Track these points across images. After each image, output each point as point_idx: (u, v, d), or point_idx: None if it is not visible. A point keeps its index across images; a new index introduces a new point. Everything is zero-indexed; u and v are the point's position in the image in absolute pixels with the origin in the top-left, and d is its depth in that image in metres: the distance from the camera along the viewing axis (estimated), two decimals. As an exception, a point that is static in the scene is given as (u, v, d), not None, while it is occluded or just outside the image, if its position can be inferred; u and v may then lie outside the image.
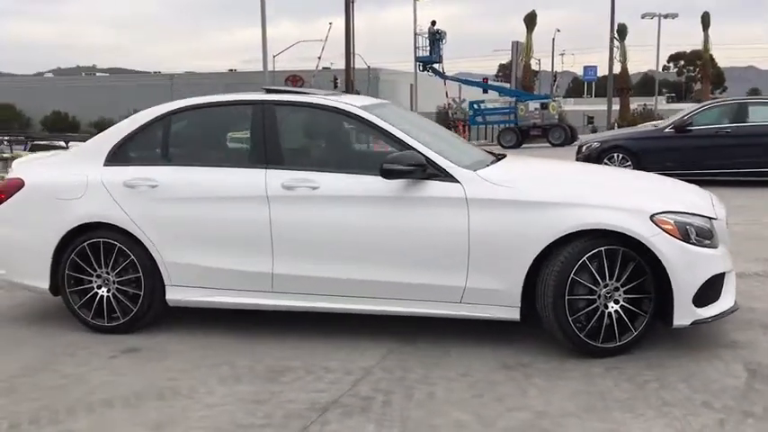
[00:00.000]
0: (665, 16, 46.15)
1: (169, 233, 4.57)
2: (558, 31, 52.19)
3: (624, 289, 4.08)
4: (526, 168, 5.05)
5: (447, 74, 35.07)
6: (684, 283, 3.97)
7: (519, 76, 37.40)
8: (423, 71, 34.90)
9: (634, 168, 11.31)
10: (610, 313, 4.08)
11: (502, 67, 40.27)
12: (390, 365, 4.06)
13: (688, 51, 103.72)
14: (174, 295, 4.65)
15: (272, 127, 4.59)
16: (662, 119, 20.21)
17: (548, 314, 4.06)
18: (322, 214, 4.36)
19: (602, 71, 44.88)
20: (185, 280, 4.60)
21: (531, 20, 40.35)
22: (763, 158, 11.63)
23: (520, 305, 4.17)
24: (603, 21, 35.14)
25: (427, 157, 4.26)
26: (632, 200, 4.16)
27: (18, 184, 4.90)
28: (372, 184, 4.31)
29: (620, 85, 42.19)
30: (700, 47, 48.97)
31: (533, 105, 29.91)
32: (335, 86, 36.75)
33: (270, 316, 4.77)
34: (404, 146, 4.36)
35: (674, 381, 3.73)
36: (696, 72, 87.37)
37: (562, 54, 69.15)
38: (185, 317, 4.88)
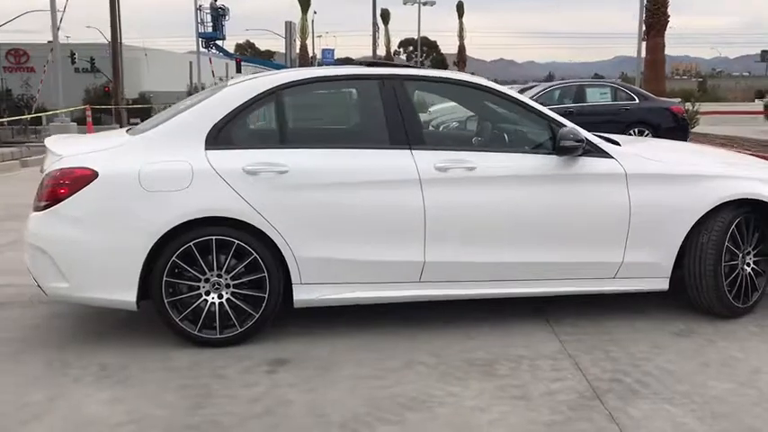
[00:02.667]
0: (425, 3, 48.92)
1: (302, 225, 3.99)
2: (315, 13, 52.60)
3: (754, 252, 4.44)
4: (654, 145, 5.22)
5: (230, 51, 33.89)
6: None
7: (294, 57, 37.35)
8: (206, 48, 33.30)
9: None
10: (744, 276, 4.42)
11: (303, 47, 39.79)
12: (580, 347, 3.99)
13: (415, 38, 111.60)
14: (303, 295, 4.08)
15: (407, 104, 4.20)
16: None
17: (704, 282, 4.28)
18: (479, 196, 4.12)
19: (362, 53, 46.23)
20: (318, 277, 4.06)
21: (305, 1, 40.41)
22: (601, 133, 13.05)
23: (669, 275, 4.35)
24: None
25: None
26: (763, 171, 4.52)
27: (87, 176, 3.92)
28: (532, 161, 4.19)
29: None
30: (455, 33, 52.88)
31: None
32: (73, 62, 33.01)
33: (379, 309, 4.40)
34: (553, 123, 4.27)
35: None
36: (423, 57, 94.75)
37: (320, 36, 69.84)
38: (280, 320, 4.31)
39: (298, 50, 38.26)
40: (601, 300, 4.55)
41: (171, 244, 3.91)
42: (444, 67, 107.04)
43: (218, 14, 31.36)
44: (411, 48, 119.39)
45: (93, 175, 3.91)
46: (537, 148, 4.27)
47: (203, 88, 33.84)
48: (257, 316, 4.02)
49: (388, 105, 4.18)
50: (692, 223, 4.25)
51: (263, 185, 3.96)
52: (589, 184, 4.21)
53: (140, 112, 22.40)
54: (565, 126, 4.21)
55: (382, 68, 4.37)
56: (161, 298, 3.95)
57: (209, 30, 32.02)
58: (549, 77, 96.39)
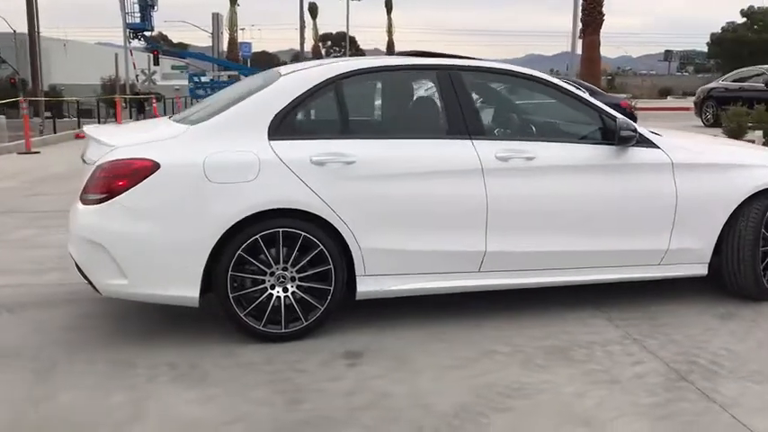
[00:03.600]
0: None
1: (367, 216, 3.95)
2: (238, 5, 51.51)
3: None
4: (687, 136, 5.35)
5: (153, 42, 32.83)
6: None
7: (222, 50, 36.60)
8: (134, 39, 32.15)
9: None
10: (771, 259, 4.65)
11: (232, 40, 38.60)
12: (640, 332, 4.11)
13: (334, 32, 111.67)
14: (367, 287, 4.04)
15: (464, 95, 4.21)
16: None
17: (743, 266, 4.48)
18: (538, 185, 4.18)
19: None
20: (382, 268, 4.03)
21: (234, -7, 39.65)
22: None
23: (709, 260, 4.53)
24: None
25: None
26: None
27: (148, 167, 3.75)
28: (586, 152, 4.28)
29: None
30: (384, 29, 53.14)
31: (258, 79, 29.59)
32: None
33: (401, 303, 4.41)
34: (603, 114, 4.37)
35: None
36: (341, 52, 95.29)
37: (242, 29, 68.43)
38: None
39: (226, 44, 37.48)
40: (634, 286, 4.68)
41: (237, 237, 3.79)
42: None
43: (147, 4, 30.37)
44: (330, 43, 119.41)
45: (155, 166, 3.74)
46: (589, 139, 4.36)
47: (135, 81, 32.94)
48: (322, 309, 3.96)
49: (446, 95, 4.19)
50: (732, 210, 4.44)
51: (331, 176, 3.89)
52: (639, 173, 4.33)
53: (52, 105, 21.30)
54: (617, 117, 4.32)
55: (439, 59, 4.36)
56: (226, 293, 3.83)
57: (137, 20, 30.95)
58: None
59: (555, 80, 4.47)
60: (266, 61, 71.91)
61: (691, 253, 4.46)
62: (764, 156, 4.75)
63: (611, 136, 4.29)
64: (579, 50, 25.20)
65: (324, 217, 3.88)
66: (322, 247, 3.89)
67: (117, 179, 3.74)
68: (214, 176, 3.77)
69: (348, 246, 3.94)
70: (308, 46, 35.71)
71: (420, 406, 3.19)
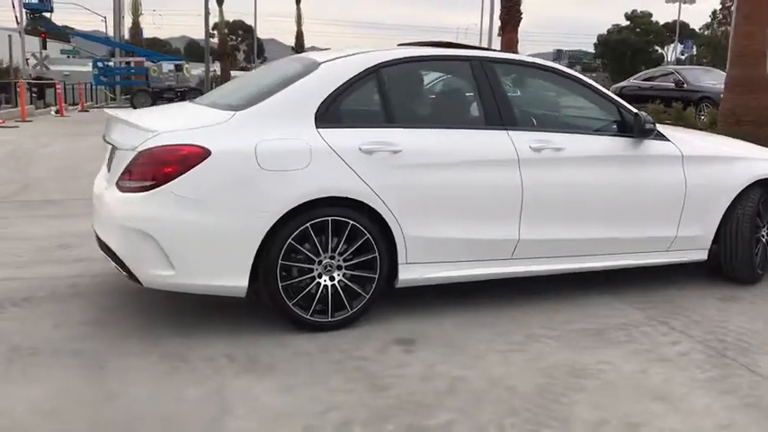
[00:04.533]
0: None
1: (412, 204, 3.99)
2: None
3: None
4: (688, 131, 5.62)
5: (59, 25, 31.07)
6: None
7: (123, 35, 35.13)
8: (33, 20, 30.25)
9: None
10: (763, 245, 5.03)
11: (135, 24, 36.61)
12: (663, 315, 4.35)
13: (231, 21, 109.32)
14: (408, 275, 4.07)
15: (498, 86, 4.32)
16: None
17: (740, 252, 4.83)
18: (568, 175, 4.34)
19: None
20: (423, 256, 4.08)
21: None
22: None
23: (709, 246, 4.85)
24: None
25: (646, 119, 4.60)
26: None
27: (198, 154, 3.64)
28: (616, 142, 4.49)
29: (221, 51, 43.56)
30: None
31: (167, 67, 28.63)
32: None
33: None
34: (621, 108, 4.59)
35: None
36: (239, 41, 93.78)
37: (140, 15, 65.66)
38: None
39: (128, 29, 35.95)
40: (631, 273, 4.92)
41: (288, 225, 3.74)
42: (261, 52, 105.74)
43: (44, -18, 28.69)
44: (226, 31, 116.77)
45: (206, 152, 3.63)
46: (609, 131, 4.56)
47: (26, 65, 30.92)
48: (367, 297, 3.97)
49: (481, 86, 4.28)
50: (731, 199, 4.78)
51: (378, 165, 3.90)
52: (655, 165, 4.58)
53: None
54: (634, 111, 4.54)
55: (472, 50, 4.45)
56: (276, 282, 3.77)
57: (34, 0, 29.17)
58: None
59: (576, 74, 4.65)
60: (159, 47, 69.61)
61: (694, 240, 4.77)
62: (759, 150, 5.13)
63: (629, 128, 4.51)
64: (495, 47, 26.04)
65: (371, 205, 3.88)
66: (368, 235, 3.90)
67: (164, 165, 3.61)
68: (266, 164, 3.70)
69: (393, 234, 3.96)
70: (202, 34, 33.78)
71: (503, 388, 3.26)
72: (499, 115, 4.26)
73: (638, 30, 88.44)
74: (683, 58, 63.02)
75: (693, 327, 4.14)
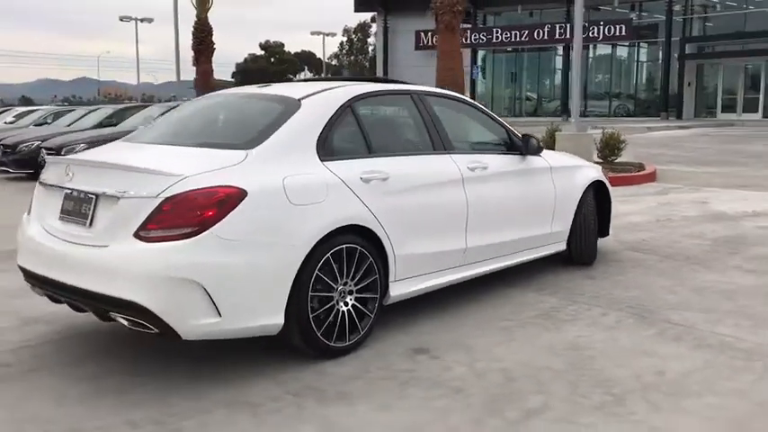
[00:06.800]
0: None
1: (399, 225, 4.37)
2: None
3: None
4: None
5: None
6: None
7: None
8: None
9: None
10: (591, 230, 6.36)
11: None
12: (567, 296, 5.33)
13: None
14: (396, 291, 4.43)
15: (434, 116, 4.90)
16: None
17: (585, 240, 6.07)
18: (492, 189, 5.10)
19: None
20: (405, 272, 4.48)
21: None
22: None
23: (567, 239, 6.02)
24: None
25: (529, 139, 5.59)
26: (591, 164, 6.51)
27: (236, 194, 3.60)
28: (514, 159, 5.38)
29: None
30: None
31: None
32: None
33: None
34: (509, 131, 5.51)
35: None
36: None
37: None
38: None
39: None
40: (522, 267, 5.86)
41: (314, 256, 3.88)
42: None
43: None
44: None
45: (242, 193, 3.62)
46: (511, 150, 5.44)
47: None
48: (372, 317, 4.25)
49: (424, 116, 4.83)
50: (579, 199, 5.99)
51: (375, 192, 4.23)
52: (537, 175, 5.59)
53: None
54: (522, 133, 5.50)
55: (406, 85, 5.00)
56: (307, 314, 3.87)
57: None
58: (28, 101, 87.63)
59: (478, 104, 5.43)
60: None
61: (559, 234, 5.88)
62: (582, 159, 6.48)
63: (517, 147, 5.44)
64: (175, 77, 25.74)
65: (374, 230, 4.19)
66: (371, 258, 4.19)
67: (204, 209, 3.51)
68: (295, 199, 3.80)
69: (387, 254, 4.30)
70: None
71: (536, 368, 3.84)
72: (441, 141, 4.85)
73: (272, 59, 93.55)
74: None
75: (601, 299, 5.18)
